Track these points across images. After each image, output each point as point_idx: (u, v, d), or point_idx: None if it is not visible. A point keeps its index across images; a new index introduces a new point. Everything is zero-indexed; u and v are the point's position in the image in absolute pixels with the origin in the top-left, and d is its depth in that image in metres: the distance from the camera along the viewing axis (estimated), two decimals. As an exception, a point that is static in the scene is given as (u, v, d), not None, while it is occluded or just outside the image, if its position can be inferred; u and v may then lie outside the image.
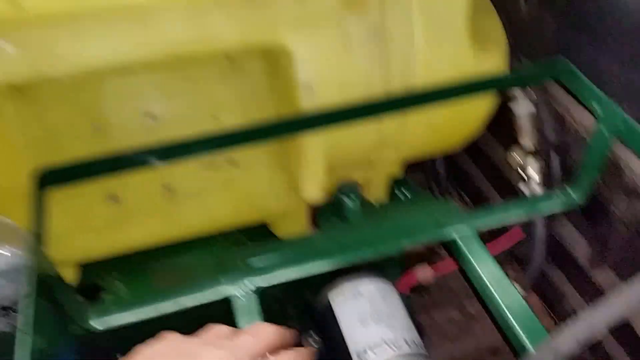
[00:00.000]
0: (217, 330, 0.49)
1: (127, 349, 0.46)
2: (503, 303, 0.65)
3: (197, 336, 0.49)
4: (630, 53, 0.75)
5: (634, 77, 0.75)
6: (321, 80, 0.66)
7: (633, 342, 0.83)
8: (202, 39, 0.62)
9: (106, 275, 0.80)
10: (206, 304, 0.67)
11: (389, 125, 0.74)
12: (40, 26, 0.57)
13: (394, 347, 0.66)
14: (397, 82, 0.71)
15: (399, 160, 0.83)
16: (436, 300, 0.99)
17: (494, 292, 0.66)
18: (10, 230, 0.63)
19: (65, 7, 0.57)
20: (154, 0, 0.59)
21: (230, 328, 0.51)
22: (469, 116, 0.80)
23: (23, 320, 0.45)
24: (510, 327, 0.64)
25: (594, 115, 0.71)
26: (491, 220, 0.73)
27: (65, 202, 0.71)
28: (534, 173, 0.83)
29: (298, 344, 0.55)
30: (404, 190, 0.84)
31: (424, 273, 0.81)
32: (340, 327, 0.71)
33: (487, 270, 0.69)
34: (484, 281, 0.68)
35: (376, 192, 0.83)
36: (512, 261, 0.98)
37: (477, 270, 0.69)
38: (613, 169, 0.78)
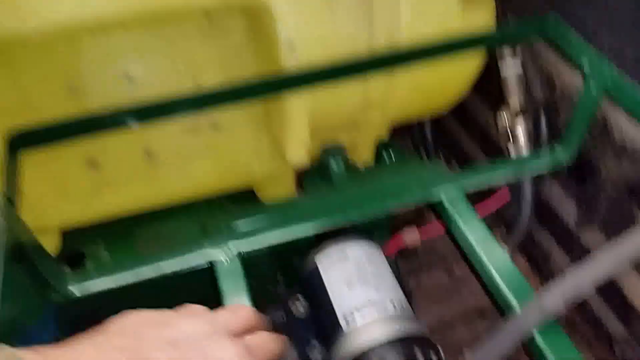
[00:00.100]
0: (194, 308, 0.48)
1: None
2: (490, 264, 0.65)
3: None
4: (619, 16, 0.73)
5: (622, 39, 0.74)
6: (303, 37, 0.64)
7: (621, 304, 0.83)
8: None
9: (90, 243, 0.78)
10: (189, 272, 0.66)
11: (374, 85, 0.72)
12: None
13: (380, 309, 0.66)
14: (382, 40, 0.69)
15: (385, 122, 0.81)
16: (424, 264, 0.99)
17: (480, 253, 0.66)
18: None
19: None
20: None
21: (207, 308, 0.50)
22: (455, 76, 0.78)
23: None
24: (497, 288, 0.63)
25: (582, 74, 0.70)
26: (478, 180, 0.73)
27: (44, 168, 0.69)
28: (522, 134, 0.82)
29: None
30: (390, 153, 0.82)
31: (411, 236, 0.81)
32: (327, 290, 0.70)
33: (474, 231, 0.68)
34: (471, 242, 0.67)
35: (362, 155, 0.82)
36: (499, 223, 0.98)
37: (464, 232, 0.68)
38: (601, 129, 0.77)
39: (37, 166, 0.69)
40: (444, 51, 0.67)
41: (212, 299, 0.61)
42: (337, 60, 0.63)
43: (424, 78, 0.74)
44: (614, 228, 0.82)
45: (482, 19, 0.77)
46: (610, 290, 0.85)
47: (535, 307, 0.57)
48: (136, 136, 0.70)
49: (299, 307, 0.79)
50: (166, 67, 0.68)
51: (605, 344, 0.89)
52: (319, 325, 0.74)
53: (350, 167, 0.78)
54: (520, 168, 0.75)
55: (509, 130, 0.84)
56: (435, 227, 0.80)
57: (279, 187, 0.80)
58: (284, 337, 0.49)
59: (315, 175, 0.80)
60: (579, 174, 0.85)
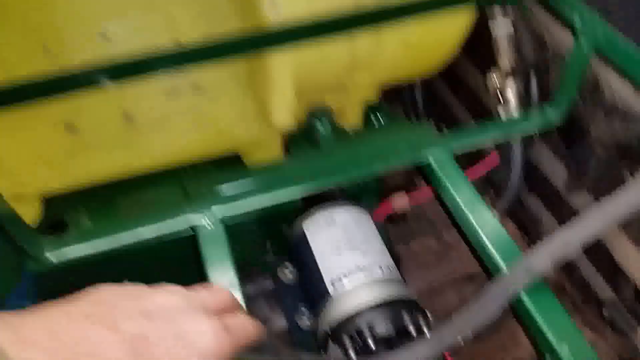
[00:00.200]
0: (170, 286, 0.46)
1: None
2: (478, 226, 0.64)
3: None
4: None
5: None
6: (286, -9, 0.62)
7: (610, 268, 0.83)
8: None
9: (72, 211, 0.76)
10: (171, 239, 0.64)
11: (361, 44, 0.70)
12: None
13: (367, 273, 0.65)
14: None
15: (374, 84, 0.79)
16: (414, 230, 0.98)
17: (468, 215, 0.65)
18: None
19: None
20: None
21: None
22: (445, 34, 0.76)
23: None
24: (485, 249, 0.63)
25: (573, 31, 0.68)
26: (467, 142, 0.71)
27: (21, 133, 0.67)
28: (512, 95, 0.80)
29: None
30: (379, 117, 0.80)
31: (400, 201, 0.80)
32: (314, 256, 0.69)
33: (462, 193, 0.67)
34: (459, 204, 0.66)
35: (350, 119, 0.80)
36: (488, 189, 0.97)
37: (452, 194, 0.67)
38: (592, 89, 0.75)
39: (14, 132, 0.67)
40: (433, 6, 0.65)
41: (195, 271, 0.60)
42: (322, 16, 0.60)
43: (413, 36, 0.72)
44: (603, 191, 0.81)
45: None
46: (599, 255, 0.84)
47: (523, 267, 0.57)
48: (114, 99, 0.68)
49: (287, 274, 0.78)
50: (143, 24, 0.65)
51: (593, 308, 0.89)
52: (307, 292, 0.73)
53: (337, 130, 0.77)
54: (510, 129, 0.74)
55: (499, 92, 0.82)
56: (424, 192, 0.79)
57: (265, 152, 0.78)
58: (261, 324, 0.47)
59: (302, 140, 0.78)
60: (569, 136, 0.83)
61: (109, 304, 0.39)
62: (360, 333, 0.61)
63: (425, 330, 0.61)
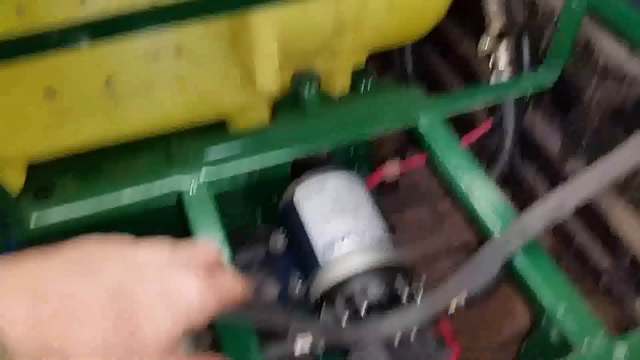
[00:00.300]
0: (157, 239, 0.44)
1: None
2: (471, 189, 0.62)
3: None
4: None
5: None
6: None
7: (607, 237, 0.82)
8: None
9: (57, 178, 0.75)
10: (156, 206, 0.63)
11: (346, 5, 0.68)
12: None
13: (359, 239, 0.64)
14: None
15: (361, 48, 0.77)
16: (407, 201, 0.97)
17: (461, 178, 0.63)
18: None
19: None
20: None
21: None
22: (431, -4, 0.74)
23: None
24: (478, 213, 0.61)
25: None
26: (459, 105, 0.70)
27: (1, 99, 0.65)
28: (504, 59, 0.78)
29: None
30: (367, 82, 0.79)
31: (391, 167, 0.78)
32: (305, 222, 0.68)
33: (453, 156, 0.65)
34: (451, 168, 0.64)
35: (338, 84, 0.78)
36: (481, 157, 0.95)
37: (443, 157, 0.65)
38: (585, 51, 0.74)
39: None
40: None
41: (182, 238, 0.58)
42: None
43: (399, -3, 0.70)
44: (598, 156, 0.80)
45: None
46: (596, 224, 0.83)
47: (517, 228, 0.55)
48: (95, 63, 0.66)
49: (278, 242, 0.77)
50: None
51: (590, 277, 0.88)
52: (299, 259, 0.72)
53: (324, 95, 0.75)
54: (502, 92, 0.72)
55: (490, 57, 0.80)
56: (416, 160, 0.77)
57: (251, 119, 0.76)
58: (249, 282, 0.45)
59: (289, 107, 0.77)
60: (563, 102, 0.82)
61: (92, 255, 0.38)
62: (352, 298, 0.60)
63: (418, 295, 0.59)
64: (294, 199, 0.70)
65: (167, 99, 0.71)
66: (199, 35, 0.67)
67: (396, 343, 0.58)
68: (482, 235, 0.62)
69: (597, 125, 0.78)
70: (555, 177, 0.89)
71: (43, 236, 0.57)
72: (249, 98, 0.72)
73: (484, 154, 0.96)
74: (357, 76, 0.79)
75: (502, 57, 0.78)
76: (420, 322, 0.57)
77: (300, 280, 0.71)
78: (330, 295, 0.61)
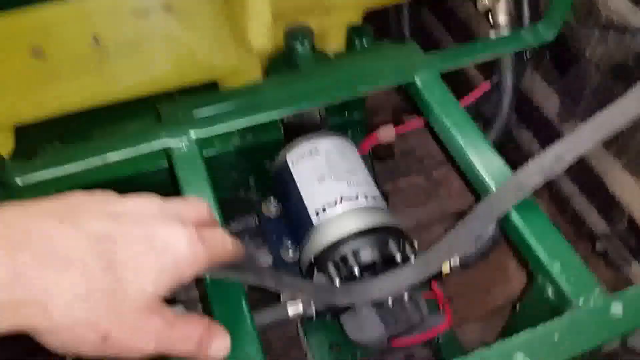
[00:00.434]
0: (145, 194, 0.43)
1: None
2: (467, 146, 0.61)
3: None
4: None
5: None
6: None
7: (604, 200, 0.81)
8: None
9: (45, 142, 0.73)
10: (145, 169, 0.61)
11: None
12: None
13: (352, 202, 0.63)
14: None
15: (356, 4, 0.75)
16: (402, 168, 0.96)
17: (457, 136, 0.62)
18: None
19: None
20: None
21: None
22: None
23: None
24: (474, 170, 0.60)
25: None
26: (456, 62, 0.68)
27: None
28: (503, 16, 0.76)
29: None
30: (363, 41, 0.76)
31: (386, 131, 0.77)
32: (297, 185, 0.67)
33: (450, 114, 0.64)
34: (447, 125, 0.63)
35: (333, 42, 0.76)
36: (477, 120, 0.94)
37: (440, 115, 0.64)
38: (586, 7, 0.72)
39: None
40: None
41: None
42: None
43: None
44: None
45: None
46: (593, 187, 0.82)
47: (513, 183, 0.54)
48: (82, 20, 0.64)
49: (271, 208, 0.75)
50: None
51: (586, 241, 0.87)
52: (291, 224, 0.71)
53: (318, 52, 0.73)
54: (500, 47, 0.70)
55: (489, 14, 0.78)
56: (411, 123, 0.76)
57: (244, 81, 0.74)
58: (240, 243, 0.44)
59: (282, 67, 0.75)
60: (562, 61, 0.80)
61: (75, 204, 0.36)
62: (344, 260, 0.59)
63: (411, 257, 0.58)
64: (287, 162, 0.69)
65: (157, 59, 0.69)
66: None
67: (390, 305, 0.57)
68: (479, 192, 0.61)
69: (597, 85, 0.76)
70: (552, 142, 0.88)
71: (30, 196, 0.56)
72: (241, 58, 0.71)
73: (480, 121, 0.94)
74: (353, 34, 0.77)
75: (502, 12, 0.76)
76: (415, 282, 0.56)
77: (293, 247, 0.70)
78: (323, 257, 0.60)
